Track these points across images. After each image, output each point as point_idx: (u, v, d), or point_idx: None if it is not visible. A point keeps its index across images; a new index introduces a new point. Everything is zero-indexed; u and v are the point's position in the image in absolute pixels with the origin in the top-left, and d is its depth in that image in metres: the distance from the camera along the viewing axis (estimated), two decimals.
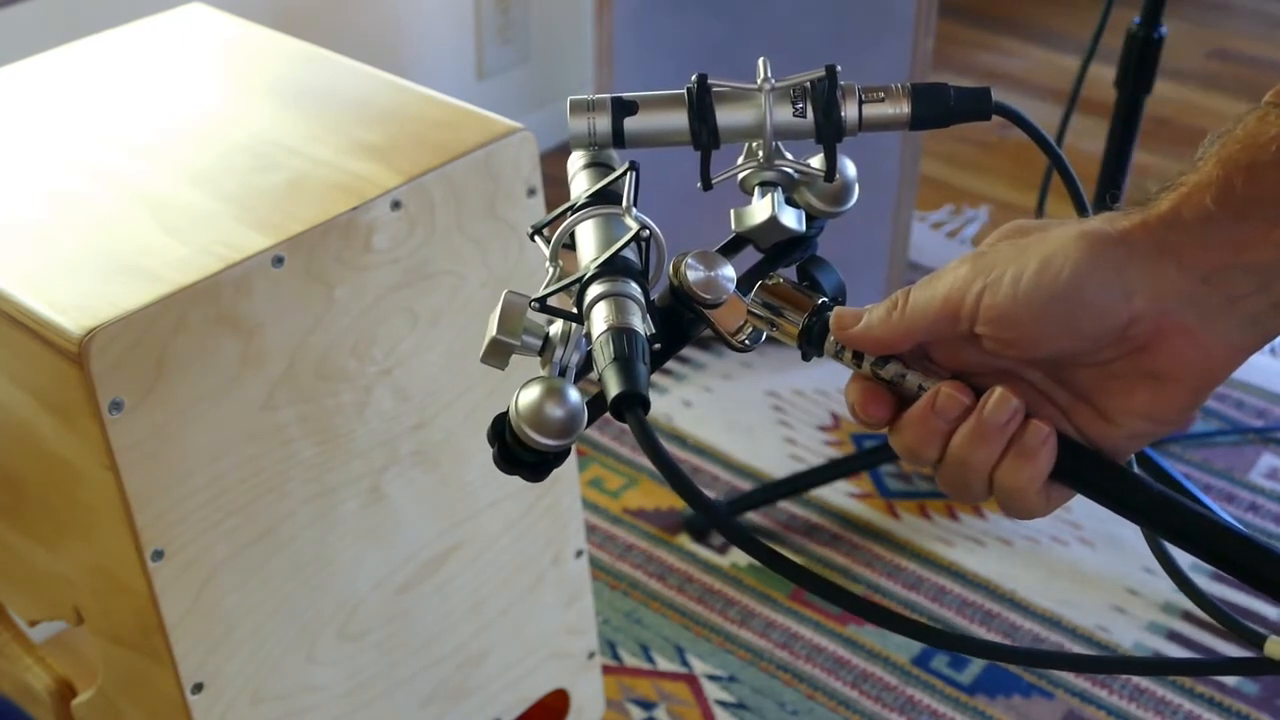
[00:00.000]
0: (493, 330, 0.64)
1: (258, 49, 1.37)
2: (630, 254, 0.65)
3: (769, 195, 0.70)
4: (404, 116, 1.24)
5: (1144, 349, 0.60)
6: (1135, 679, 1.73)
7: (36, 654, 1.33)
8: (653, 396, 0.60)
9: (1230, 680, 1.73)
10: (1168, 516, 0.61)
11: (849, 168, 0.72)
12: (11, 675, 1.33)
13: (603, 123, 0.69)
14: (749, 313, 0.67)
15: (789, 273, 0.70)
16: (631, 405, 0.59)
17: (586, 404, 0.62)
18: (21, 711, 1.35)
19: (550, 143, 2.68)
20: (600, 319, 0.62)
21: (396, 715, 1.30)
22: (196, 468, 1.06)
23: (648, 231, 0.66)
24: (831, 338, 0.65)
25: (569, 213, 0.68)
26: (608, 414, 0.61)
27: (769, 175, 0.71)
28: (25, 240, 1.10)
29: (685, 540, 1.92)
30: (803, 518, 1.96)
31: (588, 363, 0.64)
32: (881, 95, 0.69)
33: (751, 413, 2.15)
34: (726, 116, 0.69)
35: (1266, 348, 1.55)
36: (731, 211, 0.71)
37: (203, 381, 1.05)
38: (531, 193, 1.23)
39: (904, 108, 0.69)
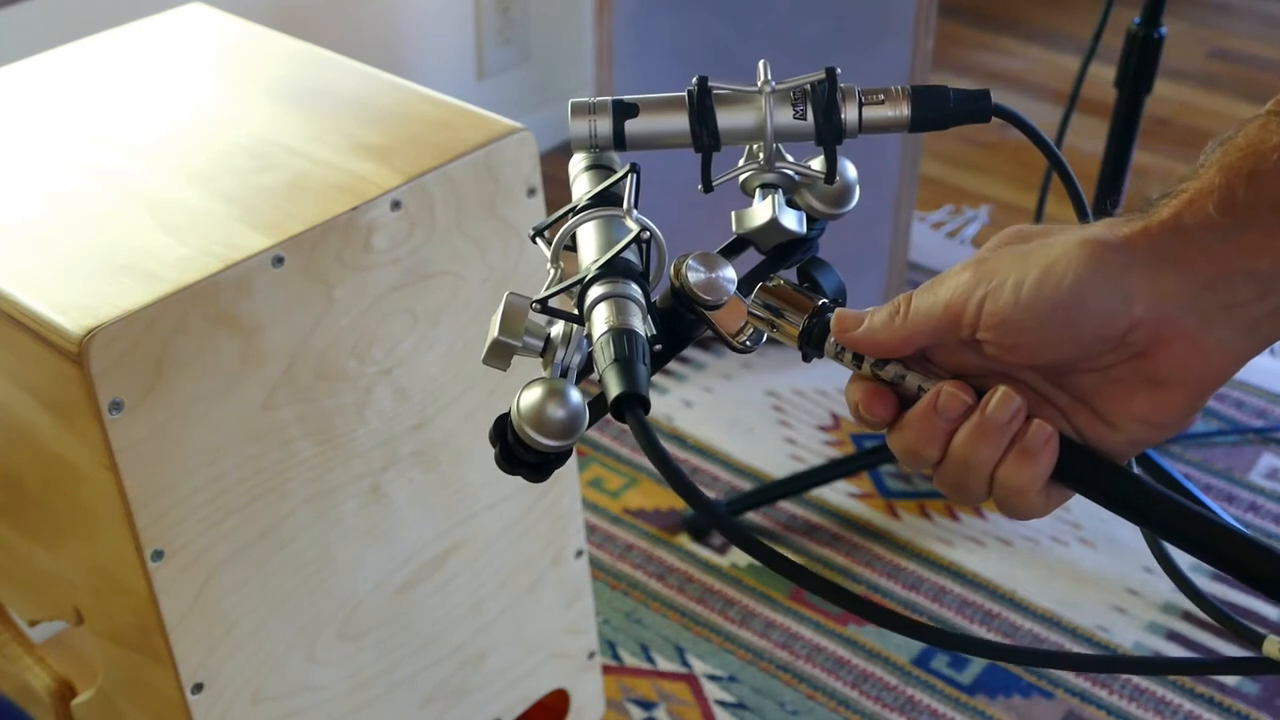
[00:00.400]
0: (494, 331, 0.64)
1: (258, 49, 1.37)
2: (631, 255, 0.65)
3: (770, 197, 0.70)
4: (404, 116, 1.24)
5: (1144, 354, 0.61)
6: (1135, 679, 1.73)
7: (36, 654, 1.33)
8: (653, 397, 0.61)
9: (1230, 680, 1.73)
10: (1168, 517, 0.61)
11: (849, 170, 0.72)
12: (11, 675, 1.33)
13: (604, 125, 0.70)
14: (749, 314, 0.67)
15: (789, 274, 0.70)
16: (632, 406, 0.59)
17: (588, 405, 0.62)
18: (21, 711, 1.35)
19: (550, 143, 2.68)
20: (601, 320, 0.62)
21: (396, 715, 1.30)
22: (196, 468, 1.06)
23: (648, 233, 0.66)
24: (832, 339, 0.65)
25: (570, 214, 0.69)
26: (608, 414, 0.61)
27: (770, 177, 0.71)
28: (25, 240, 1.10)
29: (685, 540, 1.92)
30: (803, 518, 1.96)
31: (589, 364, 0.64)
32: (881, 97, 0.69)
33: (751, 413, 2.15)
34: (727, 119, 0.69)
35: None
36: (732, 214, 0.71)
37: (203, 381, 1.05)
38: (531, 193, 1.23)
39: (904, 110, 0.69)
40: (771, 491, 1.98)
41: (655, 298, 0.67)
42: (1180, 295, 0.59)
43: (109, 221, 1.11)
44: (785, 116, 0.69)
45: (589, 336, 0.63)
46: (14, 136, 1.23)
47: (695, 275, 0.66)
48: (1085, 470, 0.62)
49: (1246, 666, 0.62)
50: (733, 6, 2.01)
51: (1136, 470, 0.64)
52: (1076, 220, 0.71)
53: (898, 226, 2.18)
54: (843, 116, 0.69)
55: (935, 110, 0.70)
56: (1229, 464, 2.06)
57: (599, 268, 0.64)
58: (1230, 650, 1.78)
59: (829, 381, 2.19)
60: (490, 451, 0.64)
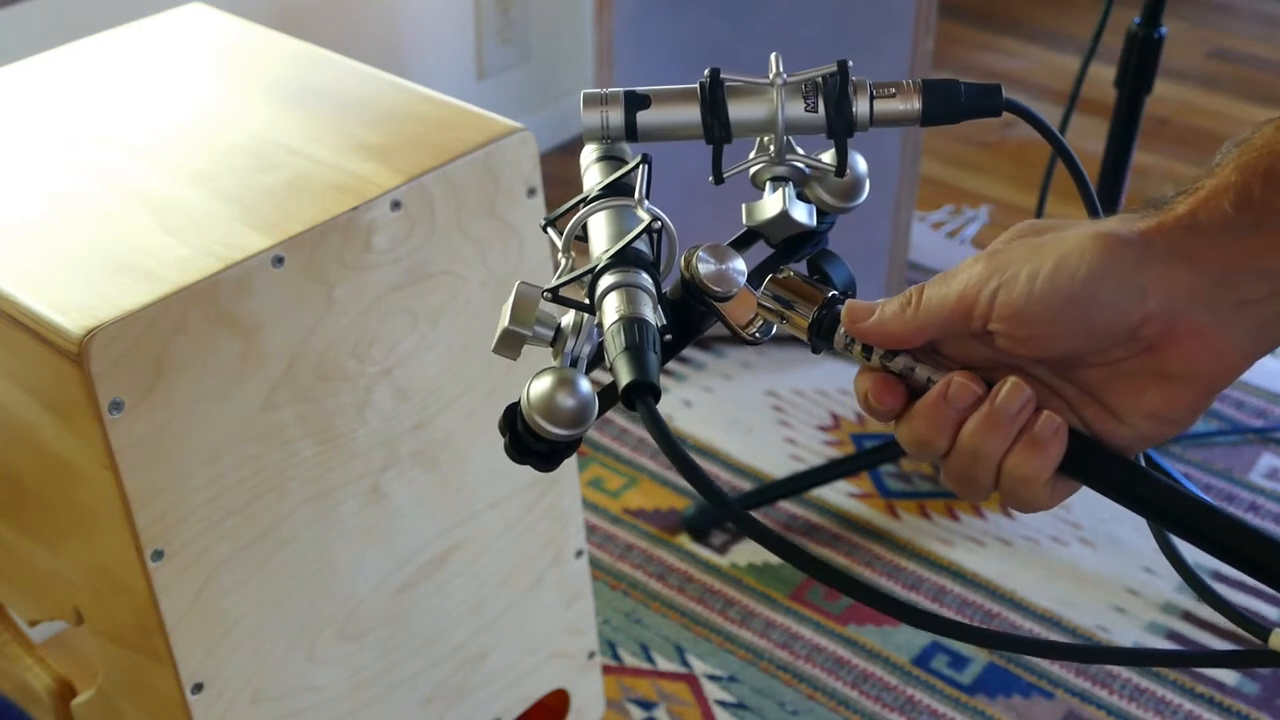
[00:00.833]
0: (505, 320, 0.64)
1: (258, 49, 1.37)
2: (642, 246, 0.65)
3: (780, 190, 0.70)
4: (404, 116, 1.24)
5: (1155, 349, 0.61)
6: (1135, 678, 1.73)
7: (36, 654, 1.33)
8: None
9: (1230, 680, 1.73)
10: (1175, 509, 0.61)
11: (860, 163, 0.72)
12: (11, 675, 1.33)
13: (615, 116, 0.70)
14: (759, 305, 0.67)
15: (799, 266, 0.70)
16: (643, 394, 0.59)
17: (598, 394, 0.62)
18: (22, 712, 1.35)
19: (550, 143, 2.68)
20: (612, 309, 0.62)
21: (396, 715, 1.30)
22: (196, 468, 1.06)
23: (659, 223, 0.66)
24: (841, 330, 0.65)
25: (581, 205, 0.69)
26: (613, 410, 0.61)
27: (780, 170, 0.71)
28: (25, 240, 1.10)
29: (685, 540, 1.92)
30: (803, 518, 1.96)
31: (599, 353, 0.64)
32: (893, 91, 0.69)
33: (751, 413, 2.15)
34: (739, 111, 0.69)
35: None
36: (743, 206, 0.71)
37: (203, 381, 1.05)
38: (531, 193, 1.23)
39: (915, 103, 0.70)
40: (771, 491, 1.98)
41: (666, 289, 0.67)
42: (1194, 291, 0.60)
43: (109, 221, 1.11)
44: (797, 109, 0.69)
45: (600, 326, 0.63)
46: (14, 136, 1.23)
47: (705, 267, 0.66)
48: (1092, 462, 0.62)
49: (1252, 659, 0.62)
50: (733, 6, 2.01)
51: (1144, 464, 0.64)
52: (1086, 217, 0.71)
53: (898, 226, 2.18)
54: (854, 109, 0.69)
55: (946, 104, 0.70)
56: (1229, 464, 2.06)
57: (610, 257, 0.64)
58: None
59: (829, 381, 2.19)
60: (491, 451, 0.64)
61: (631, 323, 0.61)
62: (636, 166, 0.68)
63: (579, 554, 1.43)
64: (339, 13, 2.31)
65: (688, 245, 0.67)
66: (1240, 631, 0.70)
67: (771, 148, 0.71)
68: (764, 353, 2.22)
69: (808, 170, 0.71)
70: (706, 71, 0.69)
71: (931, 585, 1.86)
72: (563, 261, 0.66)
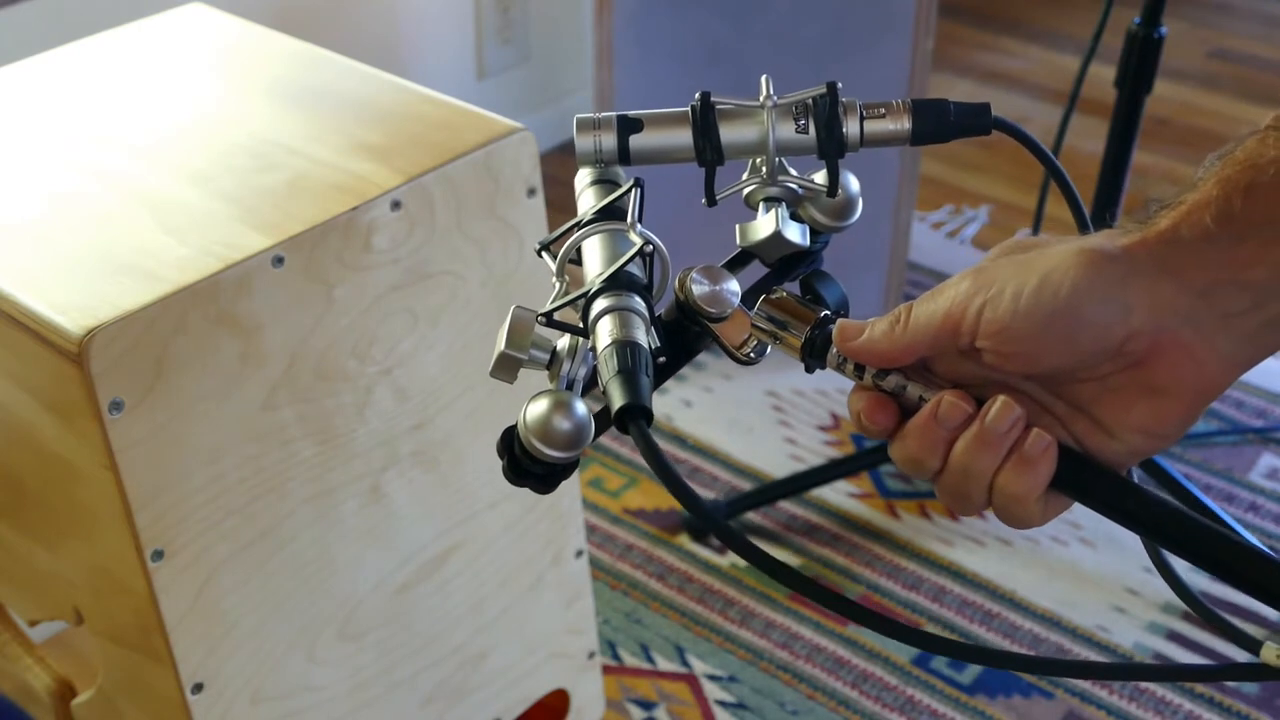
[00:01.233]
0: (501, 345, 0.65)
1: (258, 49, 1.37)
2: (635, 269, 0.66)
3: (773, 210, 0.71)
4: (404, 116, 1.24)
5: (1141, 363, 0.61)
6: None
7: (36, 654, 1.33)
8: (653, 397, 0.61)
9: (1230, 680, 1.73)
10: (1166, 525, 0.62)
11: (852, 183, 0.73)
12: (11, 675, 1.33)
13: (608, 140, 0.70)
14: (753, 326, 0.68)
15: (793, 286, 0.71)
16: (635, 417, 0.60)
17: (594, 416, 0.63)
18: (22, 712, 1.35)
19: (550, 143, 2.68)
20: (605, 333, 0.63)
21: (396, 715, 1.30)
22: (196, 468, 1.06)
23: (650, 247, 0.67)
24: (834, 350, 0.66)
25: (575, 229, 0.69)
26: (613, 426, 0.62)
27: (773, 191, 0.72)
28: (25, 240, 1.10)
29: (685, 540, 1.92)
30: (803, 518, 1.96)
31: (595, 376, 0.65)
32: (882, 111, 0.70)
33: (751, 413, 2.15)
34: (730, 133, 0.70)
35: None
36: (737, 227, 0.72)
37: (203, 381, 1.05)
38: (531, 193, 1.23)
39: (904, 123, 0.70)
40: (771, 491, 1.98)
41: (661, 311, 0.67)
42: (1177, 305, 0.60)
43: (109, 221, 1.11)
44: (787, 130, 0.70)
45: (593, 349, 0.64)
46: (14, 136, 1.23)
47: (699, 288, 0.66)
48: (1083, 478, 0.63)
49: (1242, 672, 0.63)
50: (733, 6, 2.01)
51: (1136, 478, 0.65)
52: (1076, 229, 0.71)
53: (898, 226, 2.18)
54: (844, 130, 0.70)
55: (936, 123, 0.71)
56: (1229, 464, 2.06)
57: (603, 281, 0.65)
58: (1229, 651, 1.78)
59: (829, 382, 2.19)
60: (491, 451, 0.64)
61: (624, 346, 0.62)
62: (629, 190, 0.69)
63: (579, 554, 1.43)
64: (339, 13, 2.31)
65: (686, 262, 0.67)
66: (1240, 627, 0.70)
67: (764, 169, 0.71)
68: None
69: (800, 190, 0.72)
70: (697, 95, 0.70)
71: (931, 585, 1.86)
72: (557, 285, 0.67)
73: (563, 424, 0.61)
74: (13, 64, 1.33)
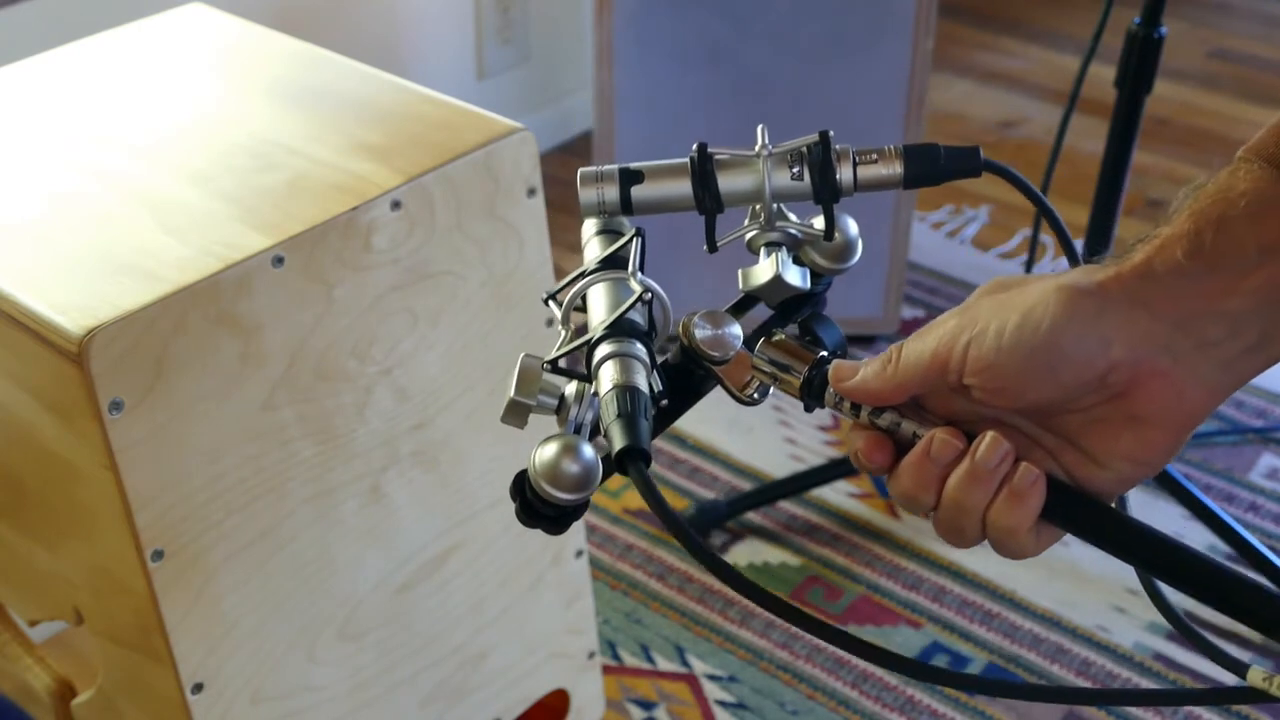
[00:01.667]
0: (511, 392, 0.68)
1: (258, 49, 1.37)
2: (637, 315, 0.69)
3: (774, 255, 0.74)
4: (404, 116, 1.24)
5: (1123, 395, 0.63)
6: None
7: (36, 654, 1.33)
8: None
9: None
10: (1154, 554, 0.64)
11: (850, 226, 0.75)
12: (11, 675, 1.33)
13: (611, 192, 0.73)
14: (754, 367, 0.70)
15: (792, 328, 0.73)
16: (634, 459, 0.63)
17: (602, 459, 0.65)
18: (21, 712, 1.35)
19: (550, 143, 2.68)
20: (607, 378, 0.66)
21: (396, 715, 1.30)
22: (196, 468, 1.06)
23: (650, 294, 0.70)
24: (831, 389, 0.68)
25: (580, 278, 0.72)
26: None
27: (773, 236, 0.74)
28: (25, 240, 1.10)
29: None
30: (803, 518, 1.96)
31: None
32: (874, 157, 0.73)
33: (751, 413, 2.15)
34: (728, 183, 0.73)
35: None
36: (739, 271, 0.74)
37: (203, 381, 1.05)
38: (531, 193, 1.23)
39: (896, 168, 0.73)
40: (771, 491, 1.98)
41: (668, 355, 0.71)
42: (1154, 337, 0.62)
43: (109, 221, 1.11)
44: (783, 178, 0.72)
45: (596, 393, 0.66)
46: (14, 136, 1.23)
47: (702, 332, 0.69)
48: (1073, 509, 0.65)
49: (1229, 696, 0.64)
50: (733, 6, 2.01)
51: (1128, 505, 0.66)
52: (1067, 263, 0.73)
53: (898, 226, 2.18)
54: (838, 176, 0.72)
55: (927, 167, 0.73)
56: (1229, 464, 2.06)
57: (605, 328, 0.68)
58: (1230, 652, 1.78)
59: None
60: (491, 451, 0.66)
61: (624, 391, 0.65)
62: (630, 240, 0.72)
63: (579, 554, 1.44)
64: (339, 13, 2.32)
65: (689, 309, 0.70)
66: (1239, 631, 0.71)
67: (762, 215, 0.73)
68: None
69: (799, 235, 0.74)
70: (695, 146, 0.73)
71: (931, 585, 1.86)
72: (562, 333, 0.70)
73: (571, 467, 0.64)
74: (13, 64, 1.33)
